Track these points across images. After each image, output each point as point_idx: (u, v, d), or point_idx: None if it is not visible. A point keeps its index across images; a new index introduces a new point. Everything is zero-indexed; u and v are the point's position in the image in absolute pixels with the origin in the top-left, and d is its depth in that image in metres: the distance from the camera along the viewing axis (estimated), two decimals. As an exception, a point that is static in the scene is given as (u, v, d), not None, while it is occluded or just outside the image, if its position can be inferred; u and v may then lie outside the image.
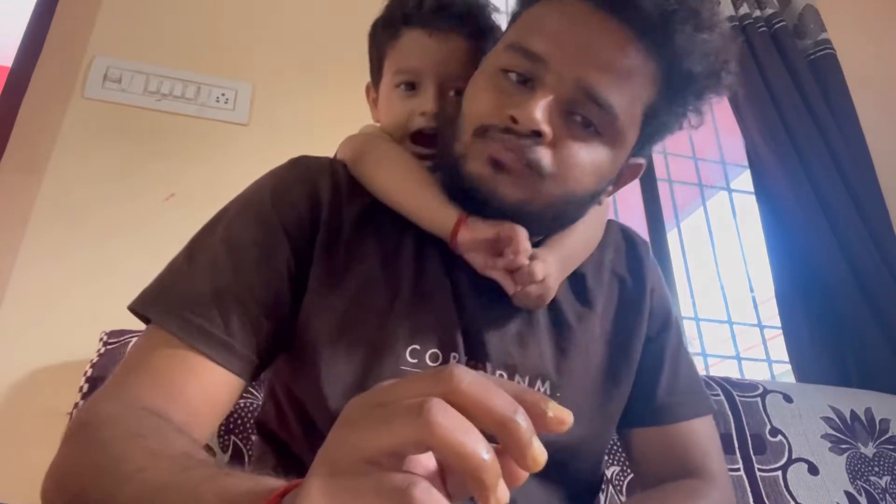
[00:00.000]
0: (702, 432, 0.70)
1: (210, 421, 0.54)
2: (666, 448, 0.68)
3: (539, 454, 0.26)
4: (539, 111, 0.54)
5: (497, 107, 0.56)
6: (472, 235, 0.59)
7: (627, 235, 0.76)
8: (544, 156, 0.55)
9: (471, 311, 0.62)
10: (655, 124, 0.61)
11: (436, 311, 0.61)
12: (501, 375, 0.61)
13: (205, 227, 0.62)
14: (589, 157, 0.57)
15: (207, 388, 0.53)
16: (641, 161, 0.65)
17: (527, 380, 0.62)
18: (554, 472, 0.58)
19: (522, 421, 0.26)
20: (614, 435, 0.73)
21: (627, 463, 0.96)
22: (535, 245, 0.63)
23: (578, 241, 0.68)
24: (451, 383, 0.26)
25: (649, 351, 0.71)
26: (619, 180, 0.65)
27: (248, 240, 0.58)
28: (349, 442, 0.27)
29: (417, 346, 0.59)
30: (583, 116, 0.56)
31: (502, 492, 0.25)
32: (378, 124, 0.76)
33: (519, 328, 0.63)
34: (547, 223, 0.62)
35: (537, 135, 0.54)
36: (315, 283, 0.59)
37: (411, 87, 0.70)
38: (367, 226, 0.63)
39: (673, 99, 0.59)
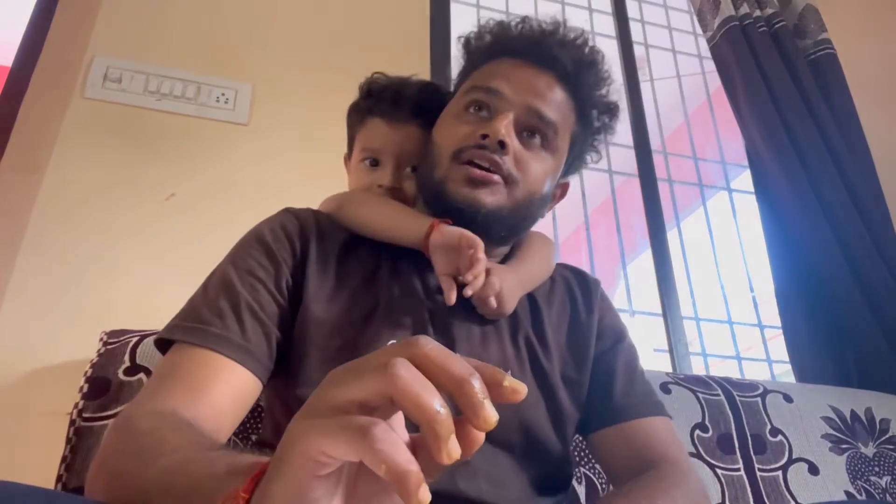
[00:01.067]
0: (660, 428, 0.75)
1: (232, 418, 0.60)
2: (627, 444, 0.74)
3: (490, 414, 0.28)
4: (503, 127, 0.70)
5: (469, 131, 0.73)
6: (441, 237, 0.71)
7: (578, 273, 0.89)
8: (510, 164, 0.71)
9: (440, 315, 0.72)
10: (576, 150, 0.80)
11: (410, 312, 0.71)
12: None
13: (213, 270, 0.69)
14: (539, 163, 0.74)
15: (230, 386, 0.59)
16: (568, 181, 0.85)
17: None
18: (524, 459, 0.68)
19: (476, 383, 0.29)
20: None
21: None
22: (501, 262, 0.78)
23: (533, 266, 0.80)
24: (417, 347, 0.30)
25: (602, 363, 0.79)
26: (555, 195, 0.82)
27: (254, 265, 0.68)
28: (325, 395, 0.31)
29: (395, 342, 0.64)
30: (530, 131, 0.74)
31: (454, 446, 0.28)
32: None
33: (483, 329, 0.74)
34: (517, 223, 0.77)
35: (502, 146, 0.70)
36: (309, 302, 0.68)
37: (375, 162, 0.85)
38: (350, 253, 0.75)
39: (585, 130, 0.80)
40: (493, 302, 0.71)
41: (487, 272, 0.71)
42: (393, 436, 0.27)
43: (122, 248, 1.24)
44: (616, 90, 0.81)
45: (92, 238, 1.23)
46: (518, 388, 0.30)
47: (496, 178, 0.71)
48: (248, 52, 1.52)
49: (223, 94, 1.44)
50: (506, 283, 0.72)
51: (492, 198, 0.71)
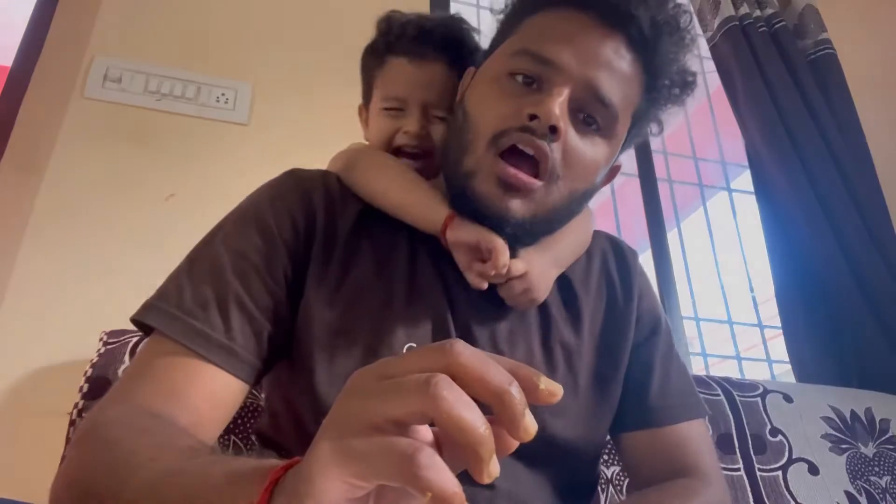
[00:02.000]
0: (694, 434, 0.71)
1: (215, 424, 0.55)
2: (658, 450, 0.69)
3: (530, 425, 0.28)
4: (557, 107, 0.57)
5: (514, 108, 0.59)
6: (455, 237, 0.63)
7: (615, 244, 0.79)
8: (558, 154, 0.59)
9: (462, 309, 0.65)
10: (637, 127, 0.67)
11: (429, 309, 0.63)
12: None
13: (204, 239, 0.63)
14: (591, 152, 0.61)
15: (210, 391, 0.54)
16: (619, 163, 0.70)
17: None
18: (547, 469, 0.62)
19: (516, 393, 0.28)
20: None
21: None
22: (530, 244, 0.67)
23: (568, 243, 0.71)
24: (452, 356, 0.28)
25: (639, 356, 0.72)
26: (604, 179, 0.69)
27: (247, 248, 0.60)
28: (357, 408, 0.28)
29: (414, 344, 0.61)
30: (587, 115, 0.60)
31: (494, 466, 0.27)
32: (367, 143, 0.80)
33: (510, 326, 0.66)
34: (553, 226, 0.66)
35: (553, 131, 0.57)
36: (312, 289, 0.61)
37: (398, 110, 0.75)
38: (361, 231, 0.66)
39: (651, 105, 0.66)
40: (517, 287, 0.64)
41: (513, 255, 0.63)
42: (437, 460, 0.26)
43: (122, 248, 1.24)
44: (693, 56, 0.67)
45: (92, 238, 1.23)
46: (554, 390, 0.29)
47: (536, 183, 0.59)
48: (248, 51, 1.52)
49: (223, 94, 1.44)
50: (535, 268, 0.64)
51: (524, 208, 0.60)
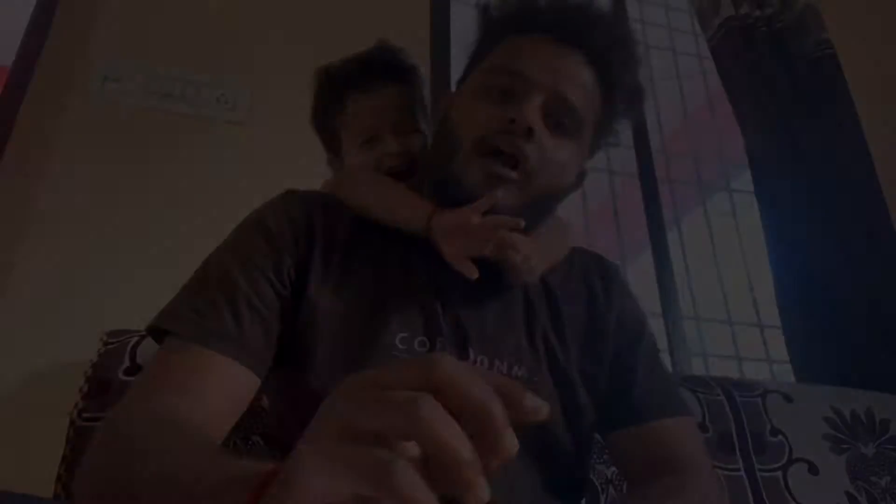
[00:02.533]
0: (681, 429, 0.73)
1: (227, 417, 0.58)
2: (646, 447, 0.71)
3: (510, 444, 0.28)
4: (532, 112, 0.66)
5: (495, 114, 0.67)
6: (440, 223, 0.68)
7: (597, 258, 0.85)
8: (535, 153, 0.66)
9: (453, 301, 0.69)
10: (599, 135, 0.76)
11: (421, 302, 0.68)
12: (482, 360, 0.67)
13: (212, 253, 0.67)
14: (564, 153, 0.69)
15: (223, 383, 0.57)
16: (586, 169, 0.78)
17: (505, 364, 0.68)
18: (536, 460, 0.65)
19: (498, 412, 0.28)
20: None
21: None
22: None
23: (549, 240, 0.76)
24: (436, 372, 0.28)
25: (624, 360, 0.75)
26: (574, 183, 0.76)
27: (253, 253, 0.65)
28: (340, 416, 0.29)
29: (406, 335, 0.65)
30: (557, 120, 0.69)
31: (482, 489, 0.26)
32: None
33: (497, 317, 0.71)
34: (533, 218, 0.70)
35: (529, 132, 0.65)
36: (314, 292, 0.65)
37: (372, 140, 0.82)
38: (358, 239, 0.71)
39: (610, 115, 0.75)
40: (525, 262, 0.68)
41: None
42: (412, 473, 0.26)
43: (121, 248, 1.24)
44: (644, 72, 0.76)
45: (92, 237, 1.23)
46: (539, 407, 0.29)
47: (514, 175, 0.66)
48: (247, 52, 1.52)
49: (223, 95, 1.44)
50: (527, 247, 0.69)
51: (510, 196, 0.66)
